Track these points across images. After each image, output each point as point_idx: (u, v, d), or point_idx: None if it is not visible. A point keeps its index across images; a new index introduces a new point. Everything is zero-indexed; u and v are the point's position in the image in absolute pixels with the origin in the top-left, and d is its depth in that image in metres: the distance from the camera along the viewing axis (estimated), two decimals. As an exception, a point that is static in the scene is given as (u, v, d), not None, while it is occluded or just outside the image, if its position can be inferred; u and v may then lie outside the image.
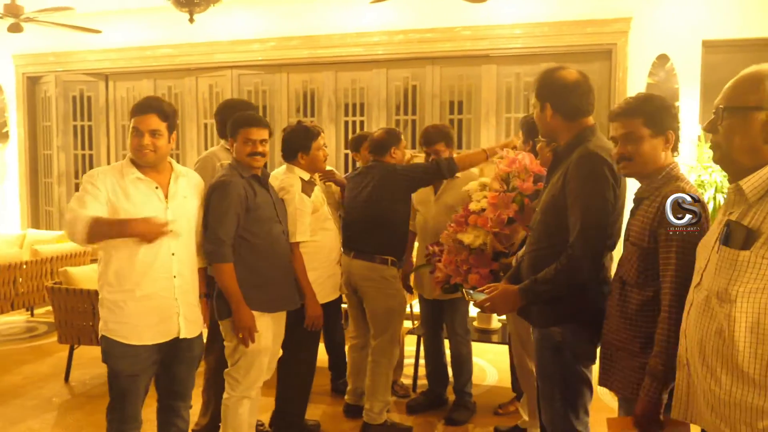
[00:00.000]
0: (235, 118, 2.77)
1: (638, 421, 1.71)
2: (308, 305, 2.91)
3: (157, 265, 2.36)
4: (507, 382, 3.75)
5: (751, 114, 1.40)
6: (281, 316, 2.83)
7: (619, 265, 1.92)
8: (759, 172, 1.40)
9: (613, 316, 1.90)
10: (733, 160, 1.47)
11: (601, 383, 1.96)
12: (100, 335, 2.39)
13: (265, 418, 3.25)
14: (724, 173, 3.97)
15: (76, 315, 3.86)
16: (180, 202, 2.46)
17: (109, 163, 6.74)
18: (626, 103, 1.92)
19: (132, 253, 2.33)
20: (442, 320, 3.55)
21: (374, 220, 3.16)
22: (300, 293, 2.89)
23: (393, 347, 3.27)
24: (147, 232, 2.25)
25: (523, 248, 2.43)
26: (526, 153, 2.78)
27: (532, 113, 2.44)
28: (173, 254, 2.40)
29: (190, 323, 2.47)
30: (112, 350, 2.36)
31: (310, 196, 3.01)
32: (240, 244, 2.62)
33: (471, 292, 2.24)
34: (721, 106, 1.47)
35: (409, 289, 3.63)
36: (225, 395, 2.76)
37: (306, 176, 3.05)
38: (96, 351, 4.30)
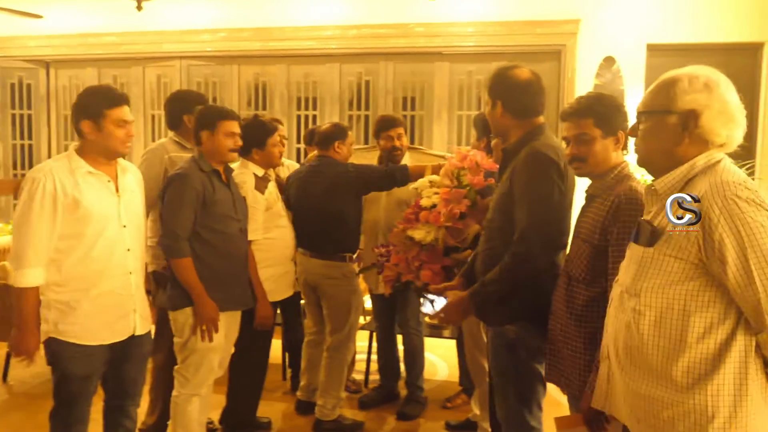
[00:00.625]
0: (211, 110, 2.71)
1: (585, 416, 1.75)
2: (259, 305, 2.87)
3: (114, 262, 2.29)
4: (457, 376, 3.80)
5: (663, 117, 1.47)
6: (235, 315, 2.78)
7: (566, 260, 1.96)
8: (671, 173, 1.46)
9: (559, 312, 1.93)
10: (650, 162, 1.54)
11: (548, 378, 2.00)
12: (45, 338, 2.26)
13: (215, 416, 3.21)
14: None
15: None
16: (129, 196, 2.38)
17: (50, 154, 6.49)
18: (578, 102, 1.96)
19: (86, 252, 2.24)
20: (394, 314, 3.57)
21: (329, 220, 3.15)
22: (254, 293, 2.85)
23: (349, 343, 3.27)
24: (22, 349, 2.20)
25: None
26: (477, 150, 2.82)
27: (484, 111, 2.47)
28: (128, 250, 2.33)
29: (144, 320, 2.42)
30: (63, 353, 2.25)
31: (263, 193, 2.97)
32: (194, 239, 2.57)
33: (427, 305, 2.25)
34: (639, 110, 1.54)
35: None
36: (174, 393, 2.70)
37: (260, 172, 3.00)
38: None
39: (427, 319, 3.85)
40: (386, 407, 3.59)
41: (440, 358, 4.45)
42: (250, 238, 2.86)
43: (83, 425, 2.36)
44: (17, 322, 2.19)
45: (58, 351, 2.26)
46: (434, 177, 3.01)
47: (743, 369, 1.35)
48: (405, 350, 3.59)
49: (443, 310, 2.12)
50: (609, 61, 5.26)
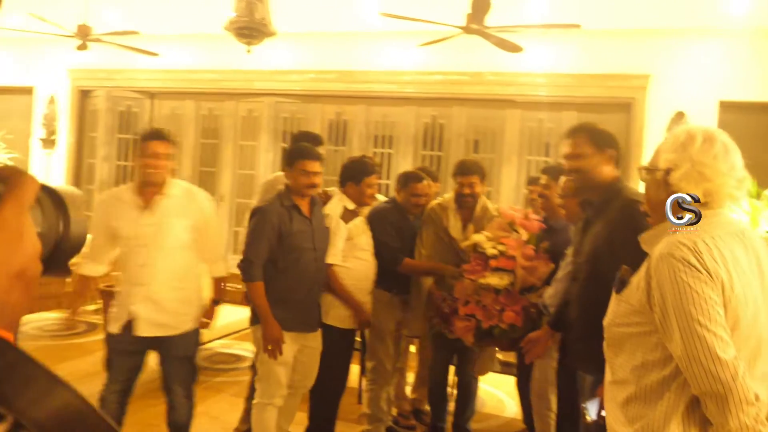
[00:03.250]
0: (292, 149, 3.04)
1: None
2: (355, 314, 3.14)
3: (127, 272, 2.79)
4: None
5: (654, 173, 1.52)
6: (306, 336, 3.00)
7: None
8: (655, 228, 1.52)
9: None
10: (652, 215, 1.59)
11: None
12: None
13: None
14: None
15: (124, 318, 4.17)
16: (164, 219, 2.76)
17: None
18: None
19: (119, 259, 2.86)
20: (453, 354, 3.60)
21: None
22: (320, 319, 3.07)
23: (377, 365, 3.49)
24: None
25: (550, 290, 2.70)
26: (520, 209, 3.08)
27: (555, 162, 2.63)
28: (142, 266, 2.74)
29: (152, 325, 2.75)
30: None
31: (347, 223, 3.19)
32: (270, 264, 2.85)
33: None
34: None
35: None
36: (255, 400, 3.00)
37: (351, 206, 3.23)
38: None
39: (500, 356, 4.02)
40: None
41: (507, 396, 4.54)
42: (328, 261, 3.09)
43: (112, 387, 2.84)
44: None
45: None
46: (486, 233, 3.17)
47: (676, 412, 1.37)
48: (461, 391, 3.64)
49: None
50: (679, 116, 5.40)
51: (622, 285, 1.51)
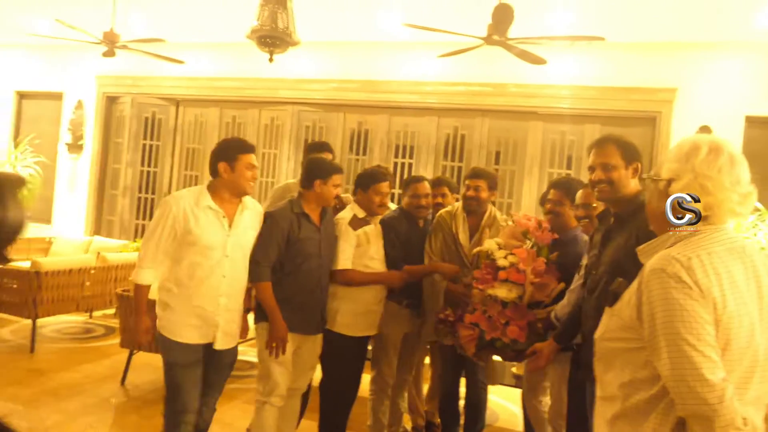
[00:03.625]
0: (327, 164, 3.09)
1: None
2: (389, 282, 3.22)
3: (208, 283, 2.70)
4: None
5: (656, 183, 1.48)
6: (306, 339, 3.04)
7: None
8: (655, 239, 1.47)
9: None
10: (652, 224, 1.54)
11: None
12: (157, 332, 2.75)
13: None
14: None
15: (140, 323, 4.19)
16: (241, 232, 2.80)
17: (171, 181, 7.23)
18: None
19: (191, 269, 2.70)
20: (462, 365, 3.53)
21: None
22: (323, 324, 3.09)
23: (377, 376, 3.45)
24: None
25: (563, 301, 2.65)
26: (533, 218, 3.01)
27: (565, 176, 2.57)
28: (224, 276, 2.73)
29: (227, 336, 2.78)
30: (162, 343, 2.74)
31: (355, 230, 3.19)
32: (278, 268, 2.93)
33: None
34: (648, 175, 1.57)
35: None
36: (256, 397, 3.04)
37: (361, 213, 3.25)
38: (151, 357, 4.64)
39: (514, 369, 3.99)
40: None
41: (522, 409, 4.50)
42: (340, 267, 3.11)
43: (190, 412, 2.74)
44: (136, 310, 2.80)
45: (161, 342, 2.74)
46: (499, 240, 3.16)
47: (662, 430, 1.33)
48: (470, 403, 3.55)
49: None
50: (705, 130, 5.31)
51: (615, 299, 1.47)
